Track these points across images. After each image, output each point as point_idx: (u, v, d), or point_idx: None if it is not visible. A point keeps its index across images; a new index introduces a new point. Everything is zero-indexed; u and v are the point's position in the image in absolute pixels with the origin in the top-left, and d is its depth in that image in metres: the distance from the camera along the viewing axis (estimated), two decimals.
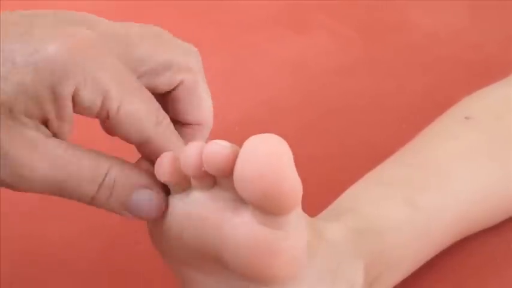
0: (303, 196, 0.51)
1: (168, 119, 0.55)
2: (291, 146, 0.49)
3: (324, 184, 0.69)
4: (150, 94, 0.54)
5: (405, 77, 0.98)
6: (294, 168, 0.49)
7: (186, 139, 0.56)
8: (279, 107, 0.92)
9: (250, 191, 0.49)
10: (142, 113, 0.52)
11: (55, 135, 0.51)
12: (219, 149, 0.49)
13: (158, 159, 0.53)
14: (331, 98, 0.95)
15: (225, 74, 0.88)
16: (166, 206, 0.54)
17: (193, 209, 0.53)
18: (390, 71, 1.00)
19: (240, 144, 0.49)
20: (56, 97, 0.49)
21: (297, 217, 0.52)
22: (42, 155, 0.50)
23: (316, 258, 0.57)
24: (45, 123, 0.51)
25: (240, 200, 0.51)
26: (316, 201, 0.57)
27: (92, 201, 0.52)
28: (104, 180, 0.52)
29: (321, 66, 1.00)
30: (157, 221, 0.55)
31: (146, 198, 0.53)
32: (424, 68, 0.99)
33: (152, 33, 0.55)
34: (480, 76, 0.82)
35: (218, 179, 0.52)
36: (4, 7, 1.19)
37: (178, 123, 0.57)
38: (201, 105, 0.57)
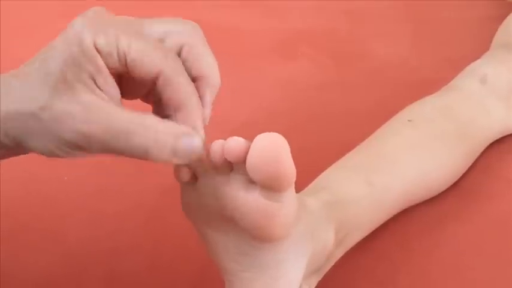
0: None
1: (176, 55, 0.52)
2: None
3: (306, 170, 0.69)
4: (156, 40, 0.51)
5: (366, 92, 0.97)
6: (291, 158, 0.50)
7: None
8: (273, 112, 0.93)
9: (258, 174, 0.50)
10: (150, 49, 0.49)
11: (107, 93, 0.49)
12: (236, 143, 0.50)
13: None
14: (312, 107, 0.95)
15: (233, 89, 0.83)
16: (195, 178, 0.53)
17: (218, 186, 0.53)
18: (355, 87, 0.99)
19: (247, 139, 0.51)
20: (85, 53, 0.47)
21: (290, 193, 0.52)
22: (96, 114, 0.47)
23: (301, 223, 0.58)
24: (95, 83, 0.48)
25: (250, 181, 0.52)
26: (300, 181, 0.58)
27: (146, 154, 0.48)
28: (155, 133, 0.48)
29: (304, 83, 1.00)
30: (189, 193, 0.55)
31: (190, 140, 0.49)
32: (379, 86, 0.98)
33: (160, 18, 0.53)
34: (418, 91, 0.83)
35: (234, 166, 0.52)
36: (4, 7, 1.17)
37: None
38: (202, 60, 0.52)
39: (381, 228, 0.72)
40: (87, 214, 0.79)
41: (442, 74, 0.89)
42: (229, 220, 0.54)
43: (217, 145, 0.51)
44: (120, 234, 0.77)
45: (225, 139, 0.52)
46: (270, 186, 0.51)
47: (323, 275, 0.65)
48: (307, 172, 0.69)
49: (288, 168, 0.50)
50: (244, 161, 0.50)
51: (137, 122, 0.48)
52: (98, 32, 0.48)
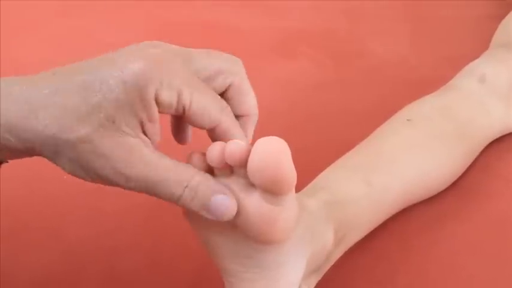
0: None
1: (229, 107, 0.53)
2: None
3: (305, 169, 0.69)
4: (212, 90, 0.53)
5: (364, 91, 0.98)
6: (291, 162, 0.50)
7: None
8: (272, 112, 0.90)
9: (259, 178, 0.50)
10: (209, 103, 0.51)
11: (150, 137, 0.50)
12: (237, 146, 0.50)
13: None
14: (311, 106, 0.95)
15: None
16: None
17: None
18: (354, 86, 0.99)
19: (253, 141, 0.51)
20: (144, 103, 0.48)
21: (291, 197, 0.52)
22: (139, 158, 0.49)
23: (299, 223, 0.57)
24: (142, 128, 0.49)
25: (251, 184, 0.51)
26: (299, 181, 0.58)
27: (178, 201, 0.51)
28: (189, 184, 0.50)
29: (303, 83, 1.00)
30: None
31: (223, 201, 0.51)
32: (378, 85, 0.99)
33: (204, 50, 0.54)
34: (417, 90, 0.83)
35: (235, 169, 0.52)
36: (4, 7, 1.16)
37: None
38: (248, 100, 0.55)
39: (380, 228, 0.72)
40: (87, 212, 0.79)
41: (441, 72, 0.89)
42: (230, 224, 0.53)
43: (216, 147, 0.52)
44: (120, 233, 0.77)
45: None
46: (271, 190, 0.51)
47: (322, 274, 0.65)
48: (306, 172, 0.69)
49: (289, 172, 0.50)
50: (245, 164, 0.50)
51: (177, 173, 0.50)
52: (161, 84, 0.49)
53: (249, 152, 0.50)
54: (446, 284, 0.70)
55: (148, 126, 0.50)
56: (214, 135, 0.53)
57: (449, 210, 0.77)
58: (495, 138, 0.83)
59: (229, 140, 0.52)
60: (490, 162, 0.82)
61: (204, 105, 0.51)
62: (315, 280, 0.64)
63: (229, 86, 0.54)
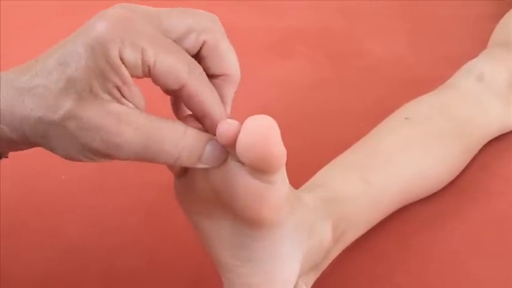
0: (289, 175, 0.52)
1: (201, 68, 0.50)
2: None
3: (302, 168, 0.69)
4: (181, 49, 0.50)
5: (362, 90, 0.97)
6: (280, 138, 0.49)
7: (216, 89, 0.52)
8: (269, 111, 0.86)
9: (248, 155, 0.49)
10: (175, 63, 0.48)
11: (132, 101, 0.48)
12: (228, 125, 0.49)
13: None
14: (307, 106, 0.95)
15: None
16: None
17: (209, 169, 0.52)
18: (351, 86, 0.99)
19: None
20: (111, 65, 0.46)
21: (281, 176, 0.51)
22: (127, 124, 0.47)
23: (296, 214, 0.57)
24: (121, 93, 0.47)
25: (242, 163, 0.50)
26: (296, 180, 0.57)
27: (176, 161, 0.49)
28: (183, 140, 0.49)
29: (300, 82, 0.99)
30: (181, 179, 0.54)
31: (214, 148, 0.50)
32: (375, 84, 0.98)
33: (176, 8, 0.51)
34: (414, 89, 0.82)
35: (228, 149, 0.51)
36: (4, 7, 1.17)
37: (208, 77, 0.51)
38: (224, 58, 0.52)
39: (379, 227, 0.72)
40: (87, 211, 0.79)
41: (439, 72, 0.89)
42: (221, 205, 0.53)
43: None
44: (120, 231, 0.76)
45: None
46: (260, 167, 0.50)
47: (320, 272, 0.64)
48: (303, 171, 0.70)
49: (277, 149, 0.49)
50: (235, 143, 0.49)
51: (168, 130, 0.49)
52: (124, 43, 0.47)
53: (238, 130, 0.49)
54: (445, 283, 0.69)
55: (125, 90, 0.48)
56: (183, 99, 0.51)
57: (448, 209, 0.76)
58: (493, 137, 0.83)
59: (197, 103, 0.50)
60: (488, 161, 0.81)
61: (170, 65, 0.48)
62: (313, 278, 0.63)
63: (203, 44, 0.51)
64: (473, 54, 0.88)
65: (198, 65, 0.50)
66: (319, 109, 0.94)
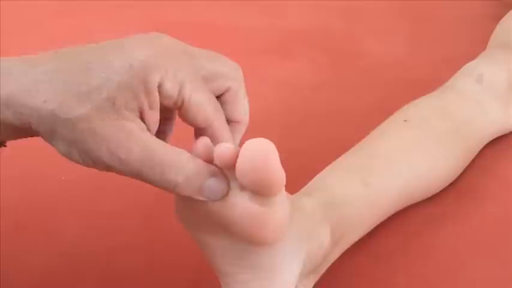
0: (286, 179, 0.51)
1: (222, 111, 0.54)
2: (278, 142, 0.49)
3: (302, 169, 0.68)
4: (209, 90, 0.52)
5: (362, 91, 0.97)
6: (279, 163, 0.49)
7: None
8: (270, 113, 0.90)
9: (247, 179, 0.49)
10: (206, 102, 0.51)
11: (148, 125, 0.50)
12: (225, 149, 0.50)
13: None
14: (307, 107, 0.95)
15: None
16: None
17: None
18: (351, 87, 0.99)
19: (243, 142, 0.50)
20: (146, 88, 0.48)
21: (281, 198, 0.52)
22: (137, 143, 0.48)
23: (294, 223, 0.57)
24: (141, 114, 0.49)
25: (241, 186, 0.51)
26: (296, 182, 0.57)
27: (175, 188, 0.50)
28: (184, 169, 0.49)
29: (300, 83, 0.99)
30: (182, 199, 0.53)
31: (216, 183, 0.50)
32: (375, 85, 0.98)
33: (207, 51, 0.54)
34: (414, 90, 0.82)
35: (225, 172, 0.51)
36: (4, 7, 1.18)
37: None
38: (241, 107, 0.55)
39: (378, 229, 0.71)
40: (85, 213, 0.79)
41: (438, 73, 0.89)
42: (221, 225, 0.53)
43: (201, 148, 0.52)
44: (117, 234, 0.76)
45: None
46: (260, 191, 0.50)
47: (320, 275, 0.64)
48: (303, 172, 0.70)
49: (277, 172, 0.49)
50: (233, 166, 0.50)
51: (173, 157, 0.50)
52: (166, 73, 0.49)
53: (237, 153, 0.50)
54: (445, 285, 0.69)
55: (148, 114, 0.49)
56: (203, 134, 0.53)
57: (448, 210, 0.76)
58: (493, 138, 0.83)
59: (216, 141, 0.52)
60: (488, 163, 0.81)
61: (201, 103, 0.51)
62: (312, 281, 0.63)
63: (227, 90, 0.54)
64: (473, 55, 0.88)
65: (220, 107, 0.54)
66: (319, 110, 0.94)
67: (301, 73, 1.02)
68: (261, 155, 0.49)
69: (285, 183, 0.50)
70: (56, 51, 0.50)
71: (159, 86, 0.49)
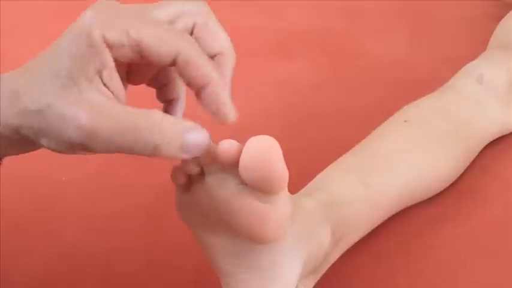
0: (290, 176, 0.51)
1: (192, 38, 0.49)
2: (278, 142, 0.50)
3: (302, 170, 0.68)
4: (167, 23, 0.49)
5: (362, 91, 0.97)
6: (283, 160, 0.49)
7: None
8: (270, 113, 0.91)
9: (251, 176, 0.50)
10: (164, 34, 0.47)
11: (112, 91, 0.47)
12: (229, 146, 0.50)
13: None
14: (307, 107, 0.95)
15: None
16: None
17: (211, 188, 0.52)
18: (351, 87, 0.99)
19: (244, 141, 0.50)
20: (93, 48, 0.46)
21: (283, 195, 0.52)
22: (105, 114, 0.46)
23: (295, 223, 0.57)
24: (102, 79, 0.47)
25: (243, 183, 0.51)
26: (296, 182, 0.57)
27: (155, 151, 0.46)
28: (160, 127, 0.46)
29: (300, 83, 0.99)
30: (183, 196, 0.54)
31: (197, 136, 0.47)
32: (375, 85, 0.98)
33: (163, 1, 0.51)
34: (414, 90, 0.82)
35: (228, 169, 0.51)
36: (4, 7, 1.17)
37: None
38: (216, 35, 0.50)
39: (379, 229, 0.71)
40: (85, 215, 0.79)
41: (439, 73, 0.89)
42: (223, 222, 0.53)
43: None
44: (118, 234, 0.76)
45: (217, 142, 0.51)
46: (262, 189, 0.50)
47: (320, 275, 0.64)
48: (304, 172, 0.70)
49: (280, 170, 0.49)
50: (237, 163, 0.50)
51: (144, 119, 0.46)
52: (107, 25, 0.47)
53: (240, 150, 0.49)
54: (446, 285, 0.69)
55: (105, 75, 0.47)
56: (180, 70, 0.49)
57: (448, 211, 0.76)
58: (493, 139, 0.82)
59: (195, 69, 0.48)
60: (488, 163, 0.81)
61: (159, 36, 0.47)
62: (312, 281, 0.63)
63: (193, 26, 0.51)
64: (473, 56, 0.88)
65: (187, 35, 0.49)
66: (319, 110, 0.94)
67: (301, 73, 1.02)
68: (265, 152, 0.49)
69: (287, 180, 0.50)
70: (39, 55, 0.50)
71: (105, 40, 0.46)
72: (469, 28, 1.09)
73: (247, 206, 0.51)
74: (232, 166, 0.50)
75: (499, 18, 0.95)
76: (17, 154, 0.51)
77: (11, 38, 1.10)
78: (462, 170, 0.78)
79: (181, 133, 0.47)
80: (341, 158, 0.73)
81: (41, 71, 0.47)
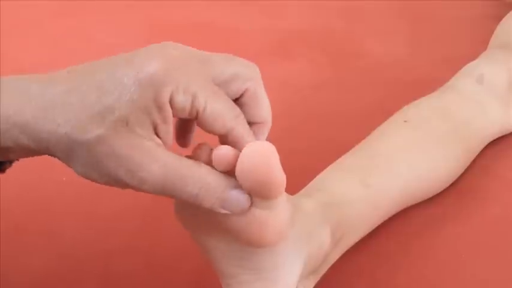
0: (290, 176, 0.51)
1: (242, 114, 0.52)
2: (278, 143, 0.50)
3: (302, 170, 0.68)
4: (227, 96, 0.51)
5: (362, 91, 0.97)
6: (280, 165, 0.49)
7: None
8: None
9: (248, 182, 0.50)
10: (223, 110, 0.50)
11: (162, 138, 0.49)
12: (226, 151, 0.50)
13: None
14: (308, 107, 0.95)
15: None
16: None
17: None
18: (351, 87, 0.99)
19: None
20: (158, 105, 0.47)
21: (282, 200, 0.52)
22: (155, 160, 0.48)
23: (295, 225, 0.58)
24: (155, 129, 0.48)
25: (242, 190, 0.51)
26: (296, 182, 0.57)
27: (196, 199, 0.49)
28: (204, 182, 0.49)
29: (300, 83, 0.99)
30: (182, 201, 0.53)
31: (237, 196, 0.50)
32: (375, 85, 0.98)
33: (222, 54, 0.53)
34: (414, 90, 0.82)
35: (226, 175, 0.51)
36: (4, 7, 1.18)
37: None
38: (263, 107, 0.53)
39: (379, 229, 0.71)
40: (83, 215, 0.79)
41: (439, 73, 0.88)
42: (221, 227, 0.53)
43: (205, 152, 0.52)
44: (117, 235, 0.76)
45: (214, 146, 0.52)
46: (260, 194, 0.50)
47: (320, 276, 0.64)
48: (304, 173, 0.70)
49: (278, 175, 0.49)
50: (233, 169, 0.50)
51: (192, 171, 0.49)
52: (178, 87, 0.48)
53: (237, 156, 0.49)
54: (446, 285, 0.69)
55: (161, 128, 0.49)
56: (226, 141, 0.51)
57: (448, 211, 0.76)
58: (494, 139, 0.82)
59: (239, 148, 0.50)
60: (488, 163, 0.81)
61: (218, 111, 0.50)
62: (312, 281, 0.63)
63: (245, 91, 0.53)
64: (473, 56, 0.88)
65: (240, 111, 0.52)
66: (319, 110, 0.94)
67: (301, 73, 1.02)
68: (262, 157, 0.49)
69: (285, 186, 0.50)
70: (68, 70, 0.50)
71: (171, 100, 0.48)
72: (469, 28, 1.09)
73: (246, 213, 0.51)
74: (228, 172, 0.50)
75: (499, 18, 0.95)
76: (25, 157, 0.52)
77: (11, 38, 1.10)
78: (462, 170, 0.78)
79: (223, 190, 0.50)
80: (341, 158, 0.73)
81: (88, 100, 0.47)
